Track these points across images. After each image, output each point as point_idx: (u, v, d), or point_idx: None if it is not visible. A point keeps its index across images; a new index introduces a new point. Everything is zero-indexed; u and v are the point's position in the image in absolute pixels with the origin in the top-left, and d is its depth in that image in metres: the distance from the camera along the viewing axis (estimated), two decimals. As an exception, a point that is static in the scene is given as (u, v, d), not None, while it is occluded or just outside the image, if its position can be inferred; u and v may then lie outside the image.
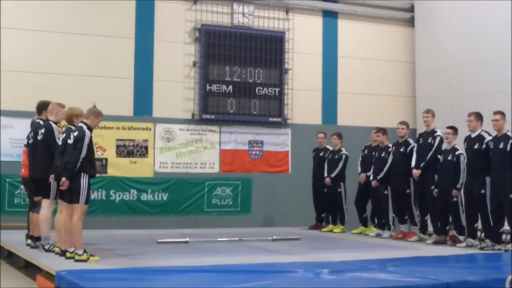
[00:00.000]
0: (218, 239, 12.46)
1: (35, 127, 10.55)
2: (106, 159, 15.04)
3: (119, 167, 15.13)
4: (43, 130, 10.23)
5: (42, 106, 10.71)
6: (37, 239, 10.40)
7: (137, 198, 15.21)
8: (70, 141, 9.33)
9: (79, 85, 14.72)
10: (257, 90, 16.27)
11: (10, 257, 11.42)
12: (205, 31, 15.91)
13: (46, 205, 10.11)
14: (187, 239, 12.02)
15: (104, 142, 14.91)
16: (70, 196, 9.36)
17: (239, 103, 16.14)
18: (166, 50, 15.70)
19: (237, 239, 12.51)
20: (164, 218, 15.29)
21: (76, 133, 9.31)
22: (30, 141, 10.60)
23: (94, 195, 14.64)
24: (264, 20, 16.57)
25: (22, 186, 12.63)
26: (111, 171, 15.07)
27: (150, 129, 15.45)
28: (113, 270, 8.48)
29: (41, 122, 10.48)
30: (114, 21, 15.37)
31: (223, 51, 16.05)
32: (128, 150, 15.23)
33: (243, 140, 16.29)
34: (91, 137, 9.33)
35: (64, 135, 9.62)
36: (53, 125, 10.21)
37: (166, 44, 15.73)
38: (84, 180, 9.21)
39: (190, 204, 15.66)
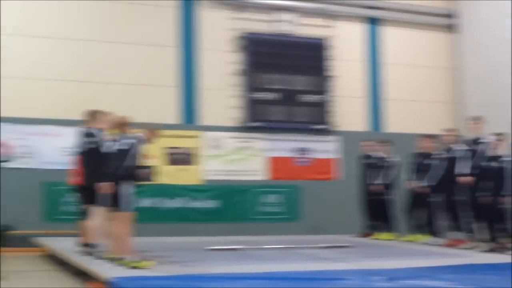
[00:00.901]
0: (268, 246, 12.42)
1: (85, 135, 10.68)
2: (155, 167, 15.15)
3: (167, 175, 15.22)
4: (92, 139, 10.37)
5: (91, 115, 10.84)
6: (89, 246, 10.50)
7: (185, 206, 15.28)
8: (122, 148, 9.43)
9: (126, 94, 14.91)
10: (302, 97, 16.24)
11: (62, 265, 11.51)
12: (249, 39, 15.96)
13: (97, 212, 10.21)
14: (237, 246, 12.02)
15: (153, 150, 14.96)
16: (116, 203, 9.46)
17: (285, 111, 16.13)
18: (211, 59, 15.80)
19: (287, 246, 12.48)
20: (212, 225, 15.33)
21: (130, 141, 9.42)
22: (81, 149, 10.73)
23: (143, 203, 14.75)
24: (308, 27, 16.56)
25: (70, 194, 12.73)
26: (160, 179, 15.16)
27: (198, 137, 15.51)
28: (166, 277, 8.46)
29: (90, 131, 10.60)
30: (157, 30, 15.50)
31: (267, 59, 16.08)
32: (176, 158, 15.32)
33: (289, 148, 16.28)
34: (144, 148, 9.45)
35: (114, 143, 9.70)
36: (102, 133, 10.34)
37: (211, 53, 15.83)
38: (129, 187, 9.30)
39: (238, 211, 15.70)
